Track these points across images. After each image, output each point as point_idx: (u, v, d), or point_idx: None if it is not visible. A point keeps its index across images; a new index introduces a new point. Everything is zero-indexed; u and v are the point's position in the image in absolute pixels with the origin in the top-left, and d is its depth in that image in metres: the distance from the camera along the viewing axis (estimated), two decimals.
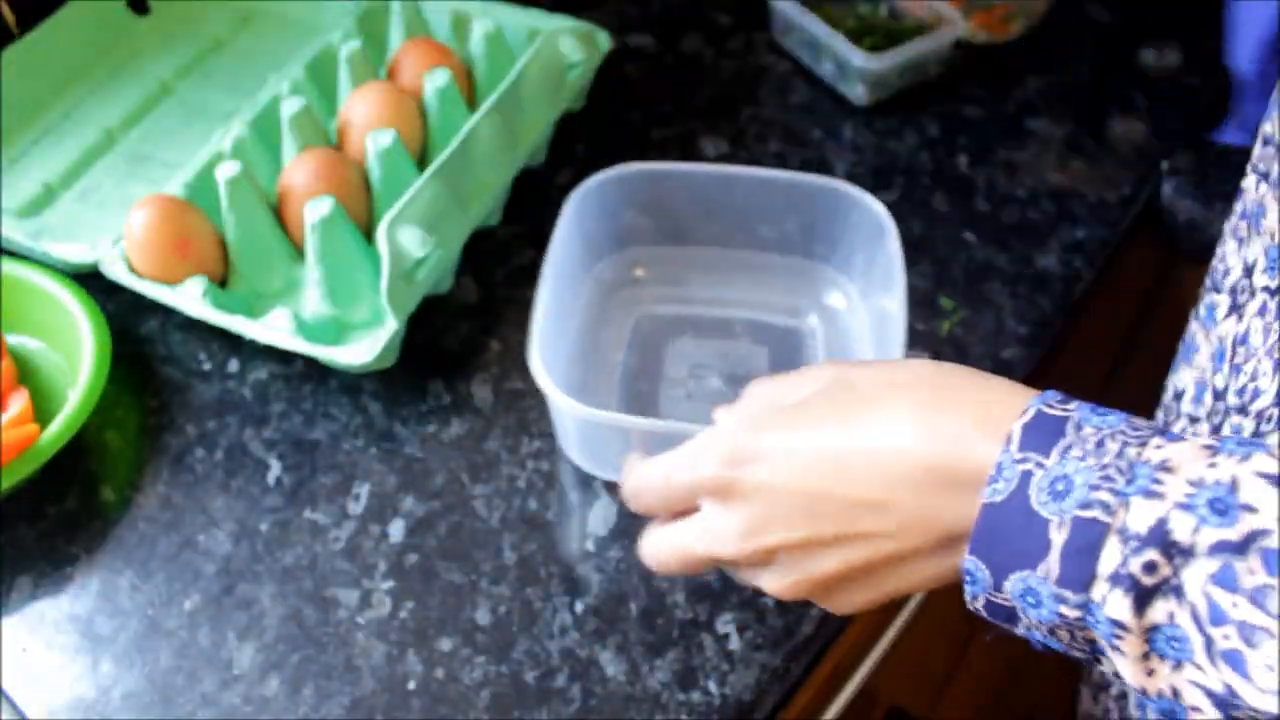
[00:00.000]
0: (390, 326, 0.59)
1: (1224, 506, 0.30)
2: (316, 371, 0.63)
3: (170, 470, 0.59)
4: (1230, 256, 0.47)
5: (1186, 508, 0.30)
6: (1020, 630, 0.35)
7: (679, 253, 0.67)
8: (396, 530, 0.57)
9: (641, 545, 0.43)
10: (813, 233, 0.64)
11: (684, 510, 0.41)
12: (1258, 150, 0.45)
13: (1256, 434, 0.42)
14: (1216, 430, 0.46)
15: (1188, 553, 0.30)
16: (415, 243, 0.60)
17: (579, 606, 0.54)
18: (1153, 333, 0.90)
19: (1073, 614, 0.32)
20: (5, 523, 0.57)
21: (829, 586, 0.39)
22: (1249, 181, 0.45)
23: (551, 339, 0.58)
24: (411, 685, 0.51)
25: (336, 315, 0.62)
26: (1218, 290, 0.48)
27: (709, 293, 0.66)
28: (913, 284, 0.67)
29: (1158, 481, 0.31)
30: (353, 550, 0.56)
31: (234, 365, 0.63)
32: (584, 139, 0.75)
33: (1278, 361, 0.42)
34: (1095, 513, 0.31)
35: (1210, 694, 0.31)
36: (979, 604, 0.35)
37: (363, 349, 0.59)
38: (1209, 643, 0.30)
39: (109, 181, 0.71)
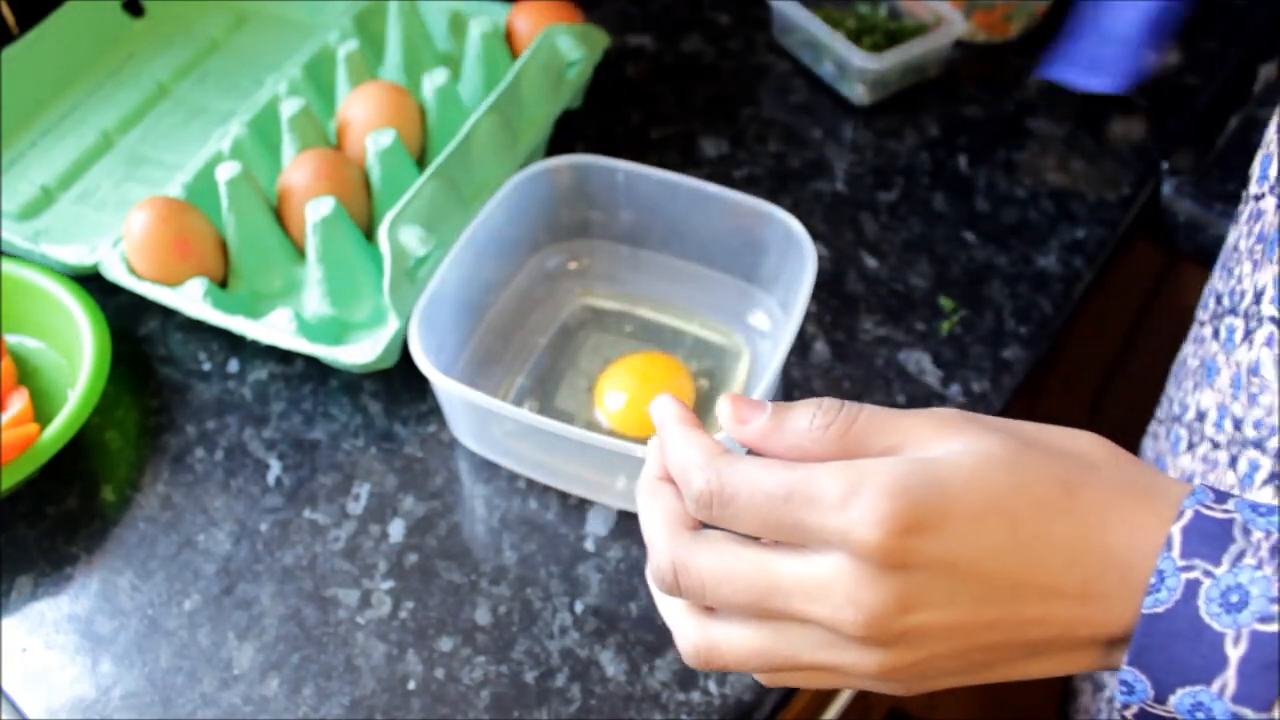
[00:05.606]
0: (392, 326, 0.59)
1: None
2: (316, 371, 0.63)
3: (170, 470, 0.59)
4: (1245, 279, 0.46)
5: None
6: None
7: (632, 253, 0.67)
8: (396, 530, 0.57)
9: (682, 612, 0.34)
10: (749, 251, 0.63)
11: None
12: (1276, 171, 0.44)
13: (1276, 473, 0.41)
14: (1234, 461, 0.45)
15: None
16: (416, 242, 0.60)
17: (579, 606, 0.54)
18: (1153, 333, 0.90)
19: None
20: (5, 523, 0.57)
21: (930, 673, 0.33)
22: (1269, 203, 0.44)
23: (465, 310, 0.60)
24: (411, 685, 0.51)
25: (337, 315, 0.62)
26: (1234, 313, 0.47)
27: (649, 296, 0.66)
28: (913, 284, 0.67)
29: None
30: (353, 550, 0.56)
31: (234, 365, 0.63)
32: (584, 139, 0.75)
33: None
34: (1277, 626, 0.29)
35: None
36: (1131, 712, 0.32)
37: (364, 349, 0.59)
38: None
39: (107, 183, 0.71)
